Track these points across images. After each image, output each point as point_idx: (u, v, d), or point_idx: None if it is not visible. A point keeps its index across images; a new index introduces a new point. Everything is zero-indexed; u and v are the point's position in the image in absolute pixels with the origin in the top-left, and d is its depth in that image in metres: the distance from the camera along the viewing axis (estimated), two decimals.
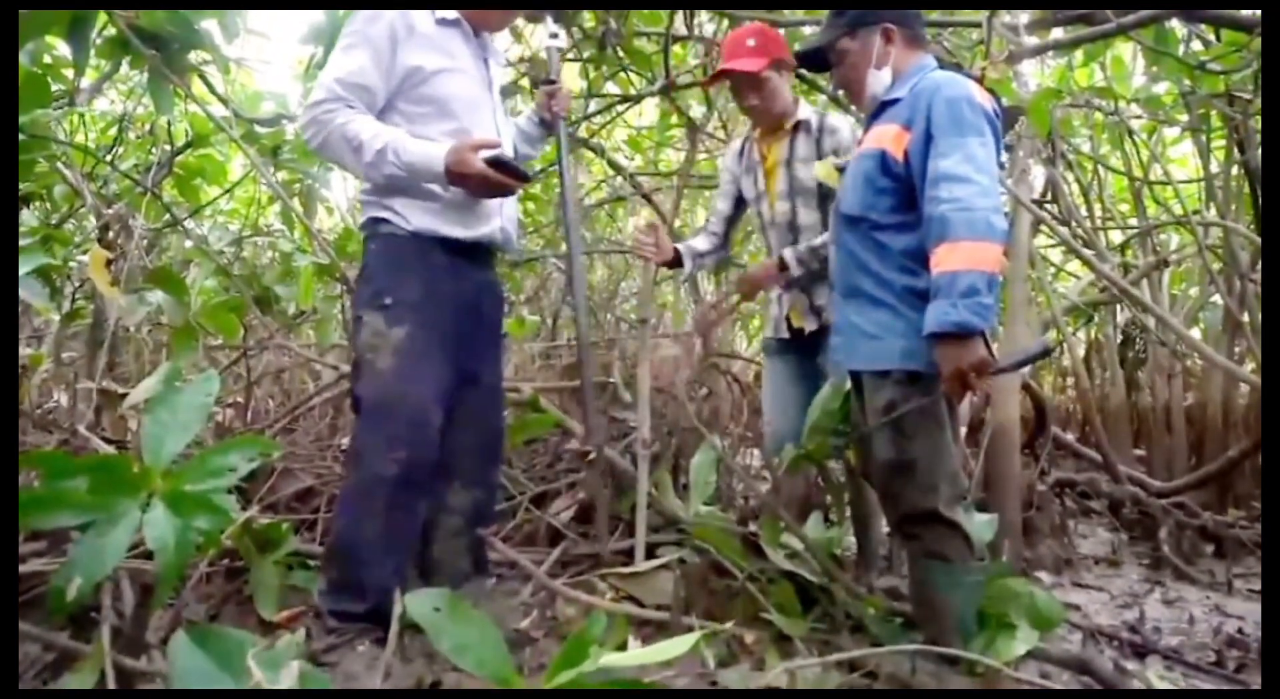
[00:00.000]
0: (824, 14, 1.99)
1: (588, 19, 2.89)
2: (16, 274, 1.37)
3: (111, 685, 1.16)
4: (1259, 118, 3.53)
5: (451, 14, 1.82)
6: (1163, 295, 4.33)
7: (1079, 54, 3.40)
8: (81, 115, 3.44)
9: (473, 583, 1.89)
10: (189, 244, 3.56)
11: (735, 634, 1.62)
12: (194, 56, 2.41)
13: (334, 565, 1.72)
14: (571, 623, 1.71)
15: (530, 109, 2.12)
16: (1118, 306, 4.73)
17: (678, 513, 2.14)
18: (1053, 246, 5.12)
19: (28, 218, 3.07)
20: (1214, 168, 4.09)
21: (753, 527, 2.08)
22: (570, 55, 3.27)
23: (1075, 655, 1.72)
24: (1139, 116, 3.92)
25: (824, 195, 2.23)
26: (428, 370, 1.75)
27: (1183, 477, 3.67)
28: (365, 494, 1.70)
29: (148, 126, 3.46)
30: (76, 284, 3.31)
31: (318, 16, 2.51)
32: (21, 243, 1.69)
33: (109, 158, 3.21)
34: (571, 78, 3.98)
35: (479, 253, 1.89)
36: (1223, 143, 4.00)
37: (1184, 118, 3.83)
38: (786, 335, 2.37)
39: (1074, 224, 3.93)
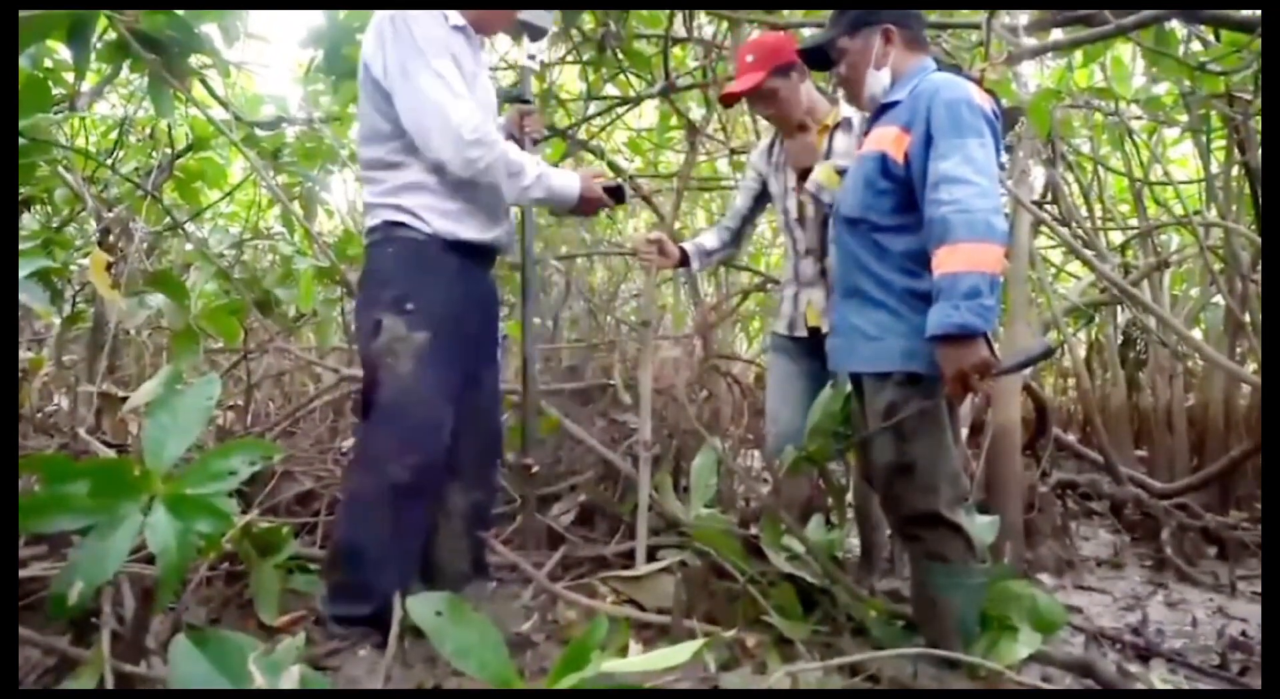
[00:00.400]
0: (823, 15, 1.99)
1: (587, 21, 2.89)
2: (17, 277, 1.37)
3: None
4: (1259, 118, 3.53)
5: (461, 20, 1.83)
6: (1163, 296, 4.32)
7: (1078, 55, 3.40)
8: (82, 119, 3.44)
9: (473, 586, 1.89)
10: (189, 247, 3.56)
11: (737, 637, 1.62)
12: (194, 60, 2.41)
13: (338, 569, 1.72)
14: (572, 626, 1.71)
15: (502, 120, 2.10)
16: (1118, 307, 4.72)
17: (678, 515, 2.14)
18: (1053, 247, 5.11)
19: (28, 221, 3.07)
20: (1214, 168, 4.08)
21: (754, 529, 2.08)
22: (571, 57, 3.28)
23: (1078, 658, 1.71)
24: (1139, 117, 3.92)
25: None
26: (444, 375, 1.76)
27: (1184, 478, 3.66)
28: (375, 498, 1.70)
29: (148, 130, 3.46)
30: (77, 287, 3.31)
31: (317, 19, 2.51)
32: (22, 246, 1.69)
33: (110, 161, 3.21)
34: (571, 79, 3.99)
35: (487, 255, 1.91)
36: (1223, 143, 4.00)
37: (1184, 118, 3.83)
38: (802, 334, 2.31)
39: (1074, 225, 3.92)
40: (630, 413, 2.96)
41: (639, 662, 1.04)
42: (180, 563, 1.14)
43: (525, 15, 2.00)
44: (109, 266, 2.01)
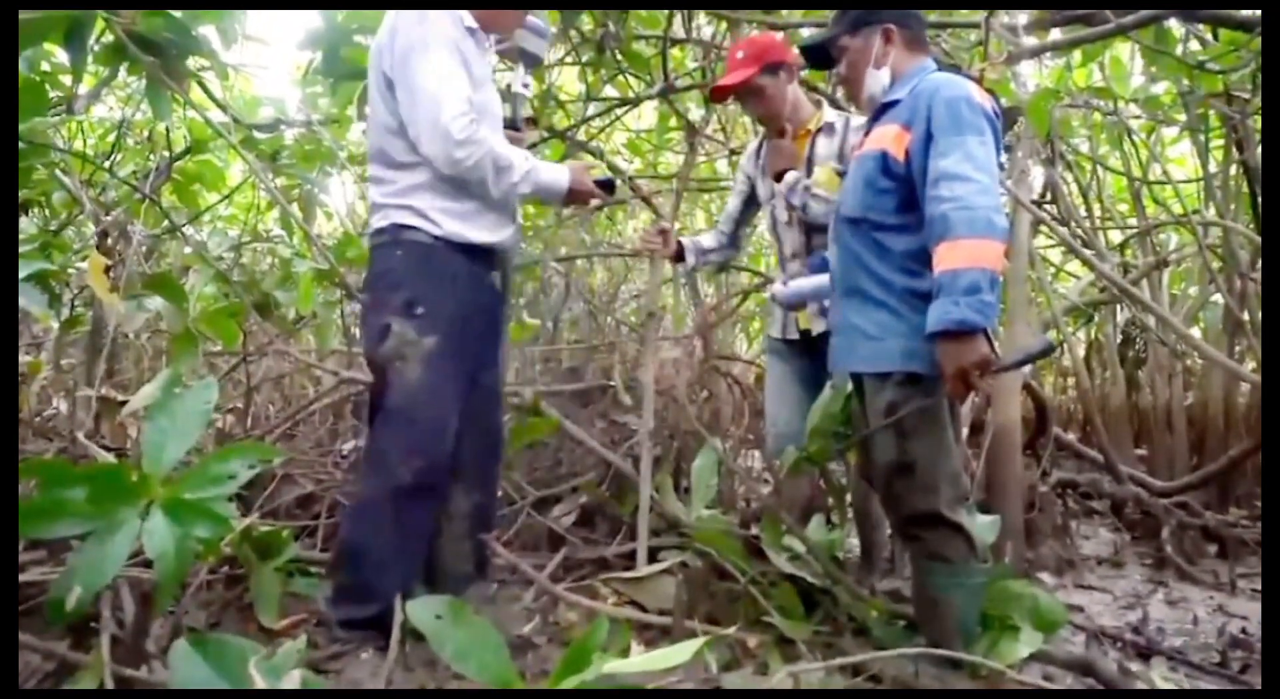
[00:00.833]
0: (822, 15, 2.00)
1: (586, 22, 2.89)
2: (17, 282, 1.37)
3: None
4: (1257, 117, 3.53)
5: (474, 23, 1.83)
6: (1162, 295, 4.33)
7: (1077, 54, 3.40)
8: (80, 122, 3.44)
9: (475, 588, 1.89)
10: (188, 250, 3.55)
11: (738, 638, 1.62)
12: (192, 62, 2.41)
13: (342, 572, 1.72)
14: (574, 628, 1.71)
15: None
16: (1118, 306, 4.72)
17: (679, 516, 2.14)
18: (1052, 247, 5.11)
19: (26, 225, 3.06)
20: (1213, 167, 4.08)
21: (755, 530, 2.08)
22: (570, 59, 3.27)
23: (1079, 657, 1.71)
24: (1137, 116, 3.92)
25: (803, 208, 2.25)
26: (452, 380, 1.75)
27: (1184, 476, 3.66)
28: (381, 502, 1.70)
29: (146, 133, 3.46)
30: (75, 291, 3.30)
31: (315, 21, 2.51)
32: (20, 249, 1.68)
33: (107, 164, 3.21)
34: (570, 81, 3.99)
35: (494, 257, 1.90)
36: (1221, 142, 4.00)
37: (1182, 117, 3.83)
38: (794, 336, 2.36)
39: (1073, 224, 3.93)
40: (630, 414, 2.96)
41: (640, 662, 1.04)
42: (179, 567, 1.14)
43: (522, 43, 1.98)
44: (107, 270, 2.01)
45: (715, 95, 2.33)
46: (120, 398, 2.51)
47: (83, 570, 1.12)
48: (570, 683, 1.01)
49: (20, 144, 2.12)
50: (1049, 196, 3.87)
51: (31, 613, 1.44)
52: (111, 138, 3.43)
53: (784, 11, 2.94)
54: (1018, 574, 2.05)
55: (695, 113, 3.66)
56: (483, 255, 1.83)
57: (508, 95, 2.04)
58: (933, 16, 2.56)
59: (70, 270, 2.78)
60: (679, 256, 2.37)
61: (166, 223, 3.29)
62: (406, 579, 1.68)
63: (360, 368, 2.74)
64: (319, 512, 2.39)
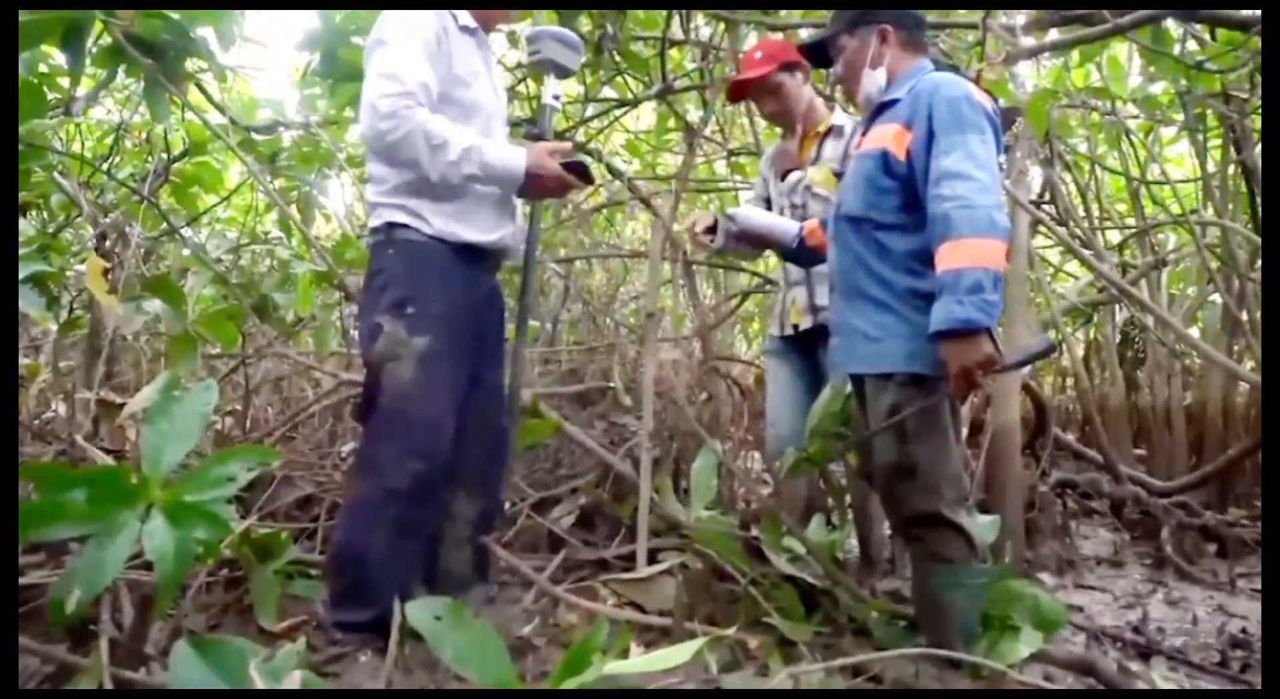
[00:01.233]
0: (821, 17, 2.01)
1: (585, 24, 2.89)
2: (17, 286, 1.36)
3: None
4: (1255, 116, 3.53)
5: (471, 21, 1.82)
6: (1161, 295, 4.33)
7: (1075, 55, 3.40)
8: (78, 124, 3.43)
9: (475, 590, 1.89)
10: (186, 252, 3.55)
11: (738, 639, 1.62)
12: (190, 64, 2.41)
13: (339, 575, 1.71)
14: (574, 630, 1.71)
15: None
16: (1116, 306, 4.73)
17: (679, 517, 2.14)
18: (1051, 247, 5.12)
19: (24, 227, 3.05)
20: (1210, 167, 4.09)
21: (754, 531, 2.08)
22: None
23: (1079, 657, 1.71)
24: (1135, 116, 3.93)
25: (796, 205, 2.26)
26: (446, 380, 1.74)
27: (1183, 476, 3.66)
28: (376, 504, 1.69)
29: (144, 135, 3.46)
30: (74, 293, 3.30)
31: (314, 23, 2.51)
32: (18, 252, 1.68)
33: (106, 166, 3.20)
34: (569, 82, 3.98)
35: (491, 258, 1.89)
36: (1219, 142, 4.01)
37: (1180, 117, 3.84)
38: (790, 333, 2.38)
39: (1072, 224, 3.93)
40: (630, 416, 2.96)
41: (640, 664, 1.04)
42: (178, 570, 1.13)
43: (553, 55, 1.93)
44: (105, 272, 2.01)
45: (733, 91, 2.36)
46: (119, 400, 2.51)
47: (82, 573, 1.12)
48: (570, 684, 1.01)
49: (19, 146, 2.12)
50: (1047, 197, 3.88)
51: (30, 616, 1.44)
52: (110, 140, 3.42)
53: (782, 12, 2.94)
54: (1018, 574, 2.05)
55: (694, 114, 3.66)
56: (478, 255, 1.82)
57: (541, 111, 1.99)
58: (931, 17, 2.56)
59: (68, 273, 2.78)
60: (711, 229, 2.27)
61: (165, 225, 3.29)
62: (404, 581, 1.67)
63: (359, 370, 2.74)
64: (318, 514, 2.38)
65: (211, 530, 1.17)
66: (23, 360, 3.01)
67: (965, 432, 2.95)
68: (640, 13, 2.97)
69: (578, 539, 2.39)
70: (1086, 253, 3.18)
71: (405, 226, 1.75)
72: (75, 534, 1.16)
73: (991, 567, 1.74)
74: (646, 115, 4.76)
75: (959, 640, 1.63)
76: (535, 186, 1.75)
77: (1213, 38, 2.88)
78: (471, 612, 1.12)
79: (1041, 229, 3.47)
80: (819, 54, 1.92)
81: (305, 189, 3.35)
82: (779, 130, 2.52)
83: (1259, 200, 3.67)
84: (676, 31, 3.07)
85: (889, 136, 1.68)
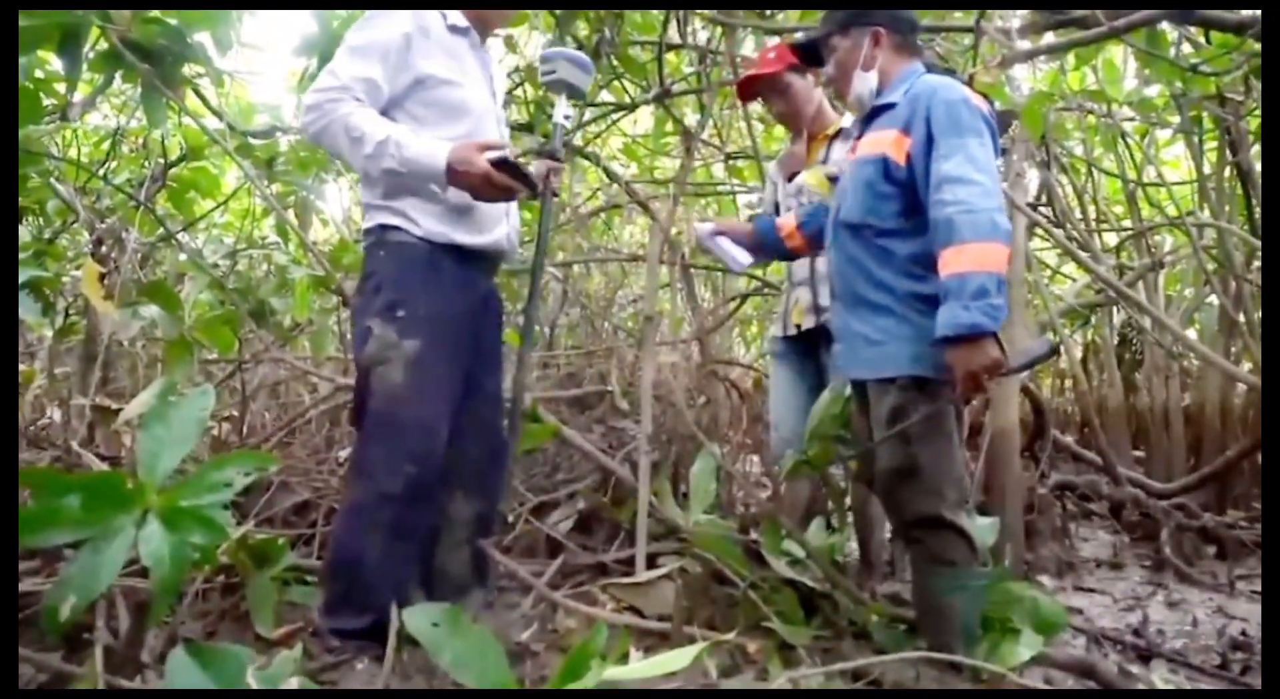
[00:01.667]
0: (818, 19, 2.01)
1: (582, 28, 2.89)
2: (16, 290, 1.36)
3: None
4: (1250, 119, 3.55)
5: (462, 21, 1.82)
6: (1158, 296, 4.34)
7: (1071, 58, 3.41)
8: (74, 130, 3.43)
9: (473, 595, 1.88)
10: (183, 258, 3.54)
11: (737, 643, 1.61)
12: (187, 69, 2.41)
13: (334, 582, 1.70)
14: (572, 635, 1.70)
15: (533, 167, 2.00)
16: (1114, 308, 4.73)
17: (678, 521, 2.13)
18: (1048, 249, 5.13)
19: (21, 232, 3.05)
20: (1207, 169, 4.10)
21: (754, 534, 2.07)
22: None
23: (1079, 659, 1.71)
24: (1131, 119, 3.94)
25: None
26: (438, 384, 1.72)
27: (1182, 477, 3.66)
28: (370, 510, 1.67)
29: (141, 140, 3.45)
30: (70, 299, 3.29)
31: (311, 28, 2.50)
32: None
33: (102, 172, 3.20)
34: None
35: (485, 260, 1.87)
36: (1214, 144, 4.02)
37: (1176, 120, 3.85)
38: (792, 333, 2.38)
39: (1069, 227, 3.94)
40: (628, 420, 2.95)
41: (640, 668, 1.03)
42: (174, 577, 1.13)
43: (567, 76, 1.92)
44: (102, 277, 2.01)
45: (743, 89, 2.38)
46: (115, 406, 2.49)
47: (77, 580, 1.11)
48: (569, 689, 1.00)
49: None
50: (1044, 199, 3.88)
51: (25, 624, 1.43)
52: (106, 145, 3.42)
53: (780, 16, 2.95)
54: (1017, 577, 2.05)
55: (691, 118, 3.66)
56: (471, 257, 1.80)
57: (552, 130, 1.97)
58: (926, 19, 2.57)
59: (65, 278, 2.78)
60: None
61: (161, 230, 3.28)
62: (400, 587, 1.66)
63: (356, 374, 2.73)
64: (315, 519, 2.37)
65: (208, 536, 1.16)
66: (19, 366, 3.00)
67: (964, 434, 2.95)
68: (638, 17, 2.98)
69: (576, 544, 2.38)
70: (1084, 255, 3.19)
71: (396, 228, 1.74)
72: (71, 540, 1.15)
73: (991, 569, 1.73)
74: (644, 119, 4.76)
75: (959, 643, 1.62)
76: (461, 183, 1.67)
77: (1208, 40, 2.89)
78: (469, 617, 1.12)
79: (1039, 231, 3.48)
80: (811, 53, 1.92)
81: (302, 194, 3.34)
82: (786, 134, 2.53)
83: (1255, 202, 3.68)
84: (674, 36, 3.07)
85: (888, 142, 1.68)
